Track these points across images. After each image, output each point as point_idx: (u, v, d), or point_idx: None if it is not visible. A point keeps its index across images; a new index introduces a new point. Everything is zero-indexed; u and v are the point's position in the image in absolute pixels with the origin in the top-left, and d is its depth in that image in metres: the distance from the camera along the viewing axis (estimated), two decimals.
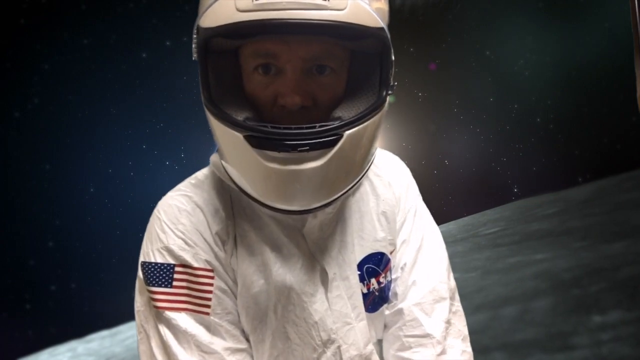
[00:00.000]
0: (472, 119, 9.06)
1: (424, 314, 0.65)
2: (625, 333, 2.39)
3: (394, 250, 0.68)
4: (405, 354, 0.65)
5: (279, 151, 0.50)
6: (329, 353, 0.61)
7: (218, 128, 0.53)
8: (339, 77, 0.55)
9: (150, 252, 0.60)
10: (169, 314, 0.57)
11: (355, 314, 0.63)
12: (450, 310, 0.66)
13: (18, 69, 7.49)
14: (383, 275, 0.65)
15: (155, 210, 0.63)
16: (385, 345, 0.69)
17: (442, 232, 0.75)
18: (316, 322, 0.61)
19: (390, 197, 0.69)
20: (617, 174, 7.41)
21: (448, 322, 0.66)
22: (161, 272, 0.58)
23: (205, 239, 0.60)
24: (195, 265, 0.59)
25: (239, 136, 0.51)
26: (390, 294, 0.69)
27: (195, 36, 0.54)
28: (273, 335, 0.61)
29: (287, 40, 0.51)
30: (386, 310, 0.68)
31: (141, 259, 0.60)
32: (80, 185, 8.10)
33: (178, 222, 0.60)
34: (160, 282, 0.58)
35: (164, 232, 0.60)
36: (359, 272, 0.64)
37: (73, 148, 8.08)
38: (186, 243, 0.59)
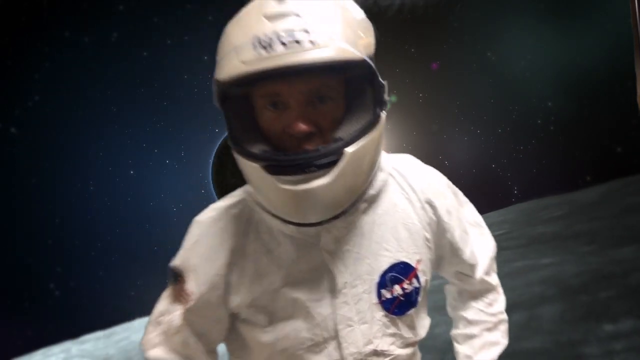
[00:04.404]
0: (472, 120, 9.00)
1: (489, 277, 0.87)
2: (639, 343, 2.30)
3: (420, 260, 0.76)
4: (476, 300, 0.88)
5: (291, 174, 0.60)
6: (330, 348, 0.72)
7: (241, 160, 0.64)
8: (337, 103, 0.63)
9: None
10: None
11: (358, 317, 0.71)
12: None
13: (19, 67, 7.44)
14: (407, 282, 0.74)
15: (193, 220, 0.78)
16: (459, 298, 0.91)
17: None
18: (318, 324, 0.71)
19: (413, 212, 0.77)
20: (618, 176, 7.34)
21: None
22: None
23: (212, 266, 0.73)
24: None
25: (257, 166, 0.61)
26: (451, 278, 0.89)
27: (214, 86, 0.64)
28: (280, 321, 0.71)
29: (287, 80, 0.60)
30: (459, 281, 0.88)
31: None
32: (80, 183, 8.06)
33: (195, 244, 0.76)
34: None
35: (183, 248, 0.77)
36: (381, 280, 0.73)
37: (73, 146, 8.03)
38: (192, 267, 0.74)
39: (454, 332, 0.90)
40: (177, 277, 0.74)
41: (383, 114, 0.65)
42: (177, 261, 0.75)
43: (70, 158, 7.96)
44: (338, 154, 0.60)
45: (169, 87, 8.35)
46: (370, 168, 0.67)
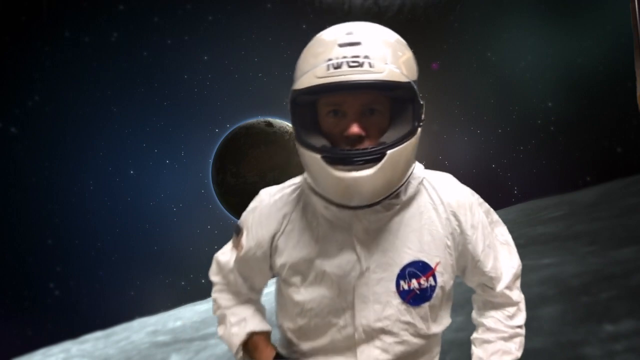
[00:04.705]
0: (472, 120, 8.97)
1: (511, 291, 0.95)
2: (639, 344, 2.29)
3: (439, 263, 0.88)
4: (497, 310, 0.97)
5: (345, 164, 0.76)
6: (347, 315, 0.87)
7: (304, 151, 0.81)
8: (384, 115, 0.80)
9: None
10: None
11: (373, 298, 0.86)
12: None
13: (18, 66, 7.43)
14: (424, 278, 0.87)
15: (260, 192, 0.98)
16: (482, 307, 0.99)
17: None
18: (340, 294, 0.86)
19: (437, 221, 0.89)
20: (619, 177, 7.33)
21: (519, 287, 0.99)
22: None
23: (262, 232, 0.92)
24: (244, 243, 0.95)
25: (317, 157, 0.78)
26: (475, 286, 0.98)
27: (290, 95, 0.81)
28: (312, 286, 0.88)
29: (348, 94, 0.78)
30: (482, 292, 0.98)
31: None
32: (79, 183, 8.05)
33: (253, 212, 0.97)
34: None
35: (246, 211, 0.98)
36: (401, 273, 0.86)
37: (73, 146, 8.02)
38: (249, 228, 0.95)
39: (474, 336, 0.99)
40: (237, 231, 0.96)
41: (419, 129, 0.81)
42: (240, 219, 0.97)
43: (69, 158, 7.95)
44: (381, 153, 0.76)
45: (169, 87, 8.35)
46: (404, 169, 0.83)
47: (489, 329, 0.96)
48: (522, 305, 0.98)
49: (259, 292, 1.03)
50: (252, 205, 0.97)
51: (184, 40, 8.14)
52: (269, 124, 7.93)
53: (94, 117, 8.08)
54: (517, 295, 0.97)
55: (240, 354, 0.97)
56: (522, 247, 5.10)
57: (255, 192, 0.99)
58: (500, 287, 0.94)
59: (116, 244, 7.90)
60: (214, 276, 1.03)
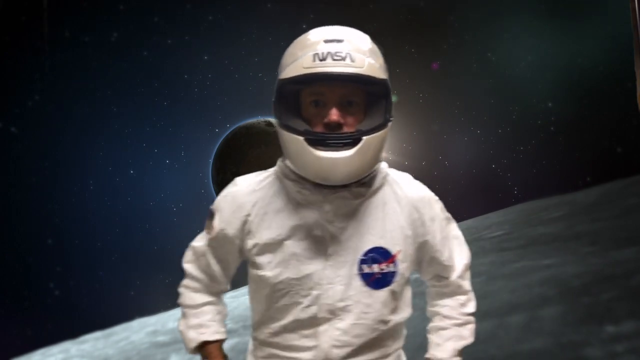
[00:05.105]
0: (472, 121, 9.00)
1: (463, 280, 1.04)
2: None
3: (399, 251, 0.95)
4: (450, 299, 1.04)
5: (325, 146, 0.85)
6: (312, 295, 0.92)
7: (287, 136, 0.88)
8: (360, 107, 0.89)
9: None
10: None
11: (338, 279, 0.92)
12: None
13: (18, 66, 7.44)
14: (385, 264, 0.94)
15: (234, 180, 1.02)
16: (436, 297, 1.06)
17: None
18: (307, 275, 0.92)
19: (400, 212, 0.97)
20: (619, 177, 7.34)
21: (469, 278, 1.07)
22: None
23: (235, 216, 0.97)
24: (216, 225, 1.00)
25: (300, 139, 0.86)
26: (426, 275, 1.04)
27: (276, 84, 0.90)
28: (280, 273, 0.92)
29: (330, 85, 0.86)
30: (437, 283, 1.05)
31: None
32: (80, 182, 8.06)
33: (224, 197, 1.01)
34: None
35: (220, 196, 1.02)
36: (363, 257, 0.93)
37: (73, 146, 8.04)
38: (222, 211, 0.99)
39: (429, 325, 1.05)
40: (211, 215, 1.00)
41: (389, 123, 0.90)
42: (213, 204, 1.02)
43: (69, 157, 7.97)
44: (358, 138, 0.86)
45: (169, 87, 8.37)
46: (375, 156, 0.90)
47: (444, 317, 1.02)
48: (472, 295, 1.06)
49: (229, 279, 1.07)
50: (225, 191, 1.01)
51: (184, 40, 8.16)
52: (269, 124, 7.93)
53: (94, 117, 8.09)
54: (468, 284, 1.05)
55: (192, 352, 1.04)
56: (523, 247, 5.10)
57: None
58: (454, 276, 1.02)
59: (116, 244, 7.92)
60: (186, 263, 1.05)
